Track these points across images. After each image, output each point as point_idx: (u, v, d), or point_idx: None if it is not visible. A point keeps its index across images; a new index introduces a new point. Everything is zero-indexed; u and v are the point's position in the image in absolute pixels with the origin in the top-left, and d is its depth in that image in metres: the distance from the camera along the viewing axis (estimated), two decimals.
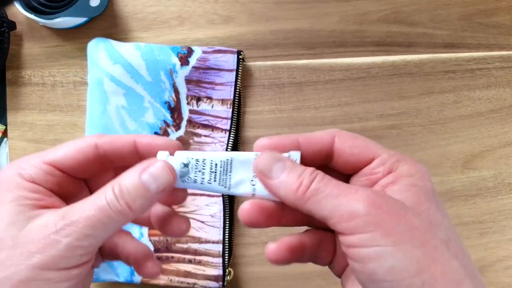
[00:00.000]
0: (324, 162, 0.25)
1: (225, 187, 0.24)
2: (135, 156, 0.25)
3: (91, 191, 0.25)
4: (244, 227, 0.44)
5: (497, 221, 0.46)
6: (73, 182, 0.25)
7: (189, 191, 0.26)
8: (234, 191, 0.24)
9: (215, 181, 0.24)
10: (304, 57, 0.46)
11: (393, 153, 0.23)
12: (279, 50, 0.46)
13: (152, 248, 0.42)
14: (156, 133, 0.44)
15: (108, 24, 0.46)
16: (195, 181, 0.24)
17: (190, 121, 0.44)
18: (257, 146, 0.24)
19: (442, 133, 0.46)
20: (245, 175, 0.24)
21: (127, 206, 0.21)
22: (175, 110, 0.44)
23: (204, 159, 0.23)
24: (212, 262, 0.42)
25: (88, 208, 0.21)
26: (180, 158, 0.24)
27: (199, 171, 0.23)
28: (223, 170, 0.24)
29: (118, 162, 0.25)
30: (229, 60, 0.44)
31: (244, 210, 0.23)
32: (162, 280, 0.42)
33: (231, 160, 0.24)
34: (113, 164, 0.26)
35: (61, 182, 0.24)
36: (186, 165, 0.24)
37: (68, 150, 0.24)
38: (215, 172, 0.24)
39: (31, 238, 0.21)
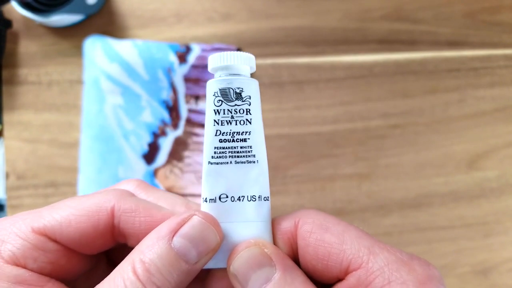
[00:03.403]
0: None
1: None
2: None
3: (114, 262, 0.17)
4: None
5: (501, 222, 0.45)
6: (78, 257, 0.18)
7: None
8: None
9: None
10: (305, 55, 0.45)
11: (388, 258, 0.16)
12: (280, 48, 0.45)
13: None
14: (154, 133, 0.43)
15: (105, 21, 0.45)
16: None
17: (189, 121, 0.43)
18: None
19: (446, 133, 0.45)
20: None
21: None
22: (173, 109, 0.43)
23: None
24: None
25: None
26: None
27: None
28: None
29: (134, 242, 0.18)
30: None
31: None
32: None
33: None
34: (127, 243, 0.19)
35: (59, 258, 0.17)
36: None
37: (70, 214, 0.17)
38: None
39: None
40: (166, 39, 0.45)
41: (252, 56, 0.19)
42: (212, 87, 0.19)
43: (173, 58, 0.42)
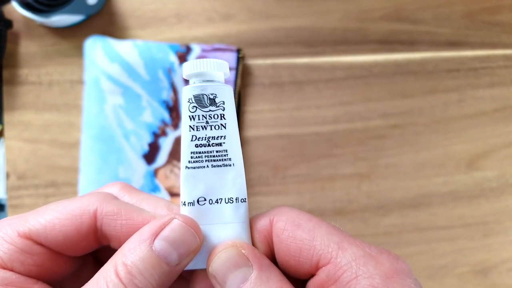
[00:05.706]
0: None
1: None
2: None
3: (101, 262, 0.18)
4: None
5: (501, 222, 0.45)
6: (64, 259, 0.18)
7: None
8: None
9: None
10: (305, 56, 0.45)
11: (356, 253, 0.16)
12: (280, 48, 0.46)
13: None
14: (154, 133, 0.43)
15: (105, 22, 0.46)
16: None
17: None
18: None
19: (446, 133, 0.45)
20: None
21: None
22: (173, 109, 0.43)
23: None
24: None
25: None
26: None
27: None
28: None
29: (116, 244, 0.18)
30: (229, 59, 0.43)
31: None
32: None
33: None
34: (110, 244, 0.19)
35: (45, 261, 0.18)
36: None
37: (54, 217, 0.18)
38: None
39: None
40: (166, 39, 0.45)
41: (225, 63, 0.20)
42: (186, 93, 0.19)
43: (173, 58, 0.42)
